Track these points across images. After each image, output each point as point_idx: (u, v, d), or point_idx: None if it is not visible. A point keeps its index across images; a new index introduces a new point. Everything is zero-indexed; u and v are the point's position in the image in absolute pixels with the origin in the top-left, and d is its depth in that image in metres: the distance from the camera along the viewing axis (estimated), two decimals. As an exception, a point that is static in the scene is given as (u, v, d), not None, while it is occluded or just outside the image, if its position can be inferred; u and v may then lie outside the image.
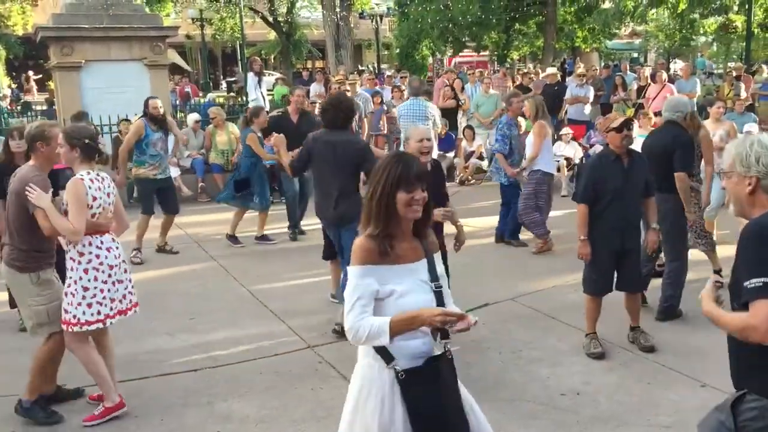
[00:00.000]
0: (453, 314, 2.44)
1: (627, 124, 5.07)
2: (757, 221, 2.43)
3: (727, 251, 5.15)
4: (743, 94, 13.70)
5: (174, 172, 11.05)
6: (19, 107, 19.93)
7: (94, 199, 4.20)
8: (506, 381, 4.81)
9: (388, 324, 2.44)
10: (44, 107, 19.50)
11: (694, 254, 6.36)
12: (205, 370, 5.13)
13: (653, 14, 29.95)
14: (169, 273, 7.68)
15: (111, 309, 4.32)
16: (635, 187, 5.13)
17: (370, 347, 2.58)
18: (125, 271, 4.44)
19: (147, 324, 6.00)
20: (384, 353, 2.55)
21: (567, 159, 11.49)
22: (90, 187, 4.18)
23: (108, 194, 4.33)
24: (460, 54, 29.59)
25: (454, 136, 13.18)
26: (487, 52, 29.37)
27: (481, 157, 12.67)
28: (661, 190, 5.46)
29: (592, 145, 12.22)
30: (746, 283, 2.28)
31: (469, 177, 12.54)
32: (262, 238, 8.71)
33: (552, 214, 8.29)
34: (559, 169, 11.18)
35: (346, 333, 2.54)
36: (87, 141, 4.23)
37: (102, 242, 4.29)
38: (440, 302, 2.62)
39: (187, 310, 6.38)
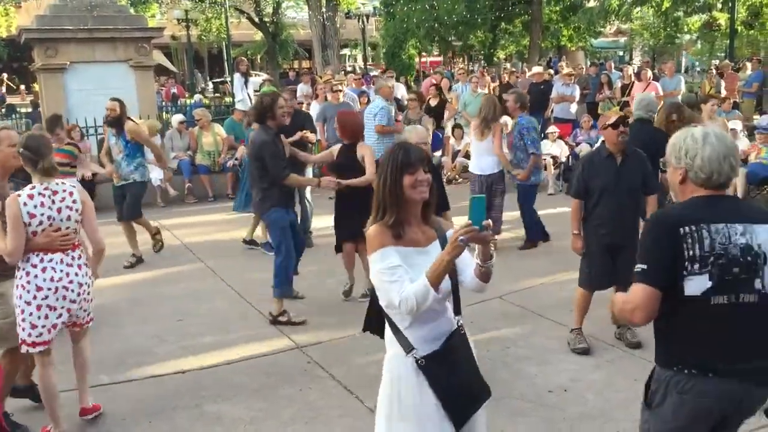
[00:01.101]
0: (465, 228, 2.48)
1: (623, 121, 5.10)
2: (656, 213, 2.70)
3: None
4: (724, 92, 13.85)
5: (159, 174, 11.02)
6: (3, 110, 19.73)
7: (32, 216, 3.89)
8: (494, 379, 4.80)
9: (427, 280, 2.54)
10: (29, 110, 19.34)
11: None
12: (194, 372, 5.12)
13: (638, 12, 30.11)
14: (156, 275, 7.65)
15: (29, 335, 3.96)
16: (628, 185, 5.14)
17: (394, 338, 2.75)
18: (63, 298, 4.01)
19: (134, 327, 5.99)
20: (404, 342, 2.71)
21: (553, 157, 11.54)
22: (26, 204, 3.88)
23: (59, 210, 3.98)
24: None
25: (440, 135, 13.21)
26: (439, 54, 29.86)
27: (467, 156, 12.69)
28: None
29: (578, 144, 12.29)
30: (635, 267, 2.55)
31: (456, 176, 12.57)
32: (251, 243, 8.48)
33: (540, 213, 8.31)
34: (545, 168, 11.21)
35: (399, 310, 2.62)
36: (21, 150, 3.98)
37: (42, 260, 3.96)
38: (454, 283, 2.75)
39: (175, 312, 6.36)
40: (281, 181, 5.90)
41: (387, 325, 2.80)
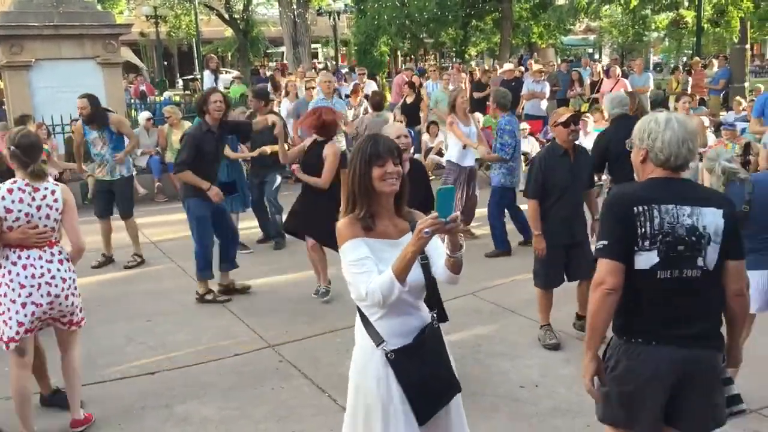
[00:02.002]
0: (430, 220, 2.41)
1: (574, 119, 5.16)
2: (613, 193, 2.93)
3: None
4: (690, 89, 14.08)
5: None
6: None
7: (9, 211, 3.86)
8: (467, 375, 4.82)
9: (392, 273, 2.50)
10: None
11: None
12: (164, 373, 5.06)
13: (606, 10, 30.41)
14: (125, 275, 7.56)
15: (17, 333, 3.92)
16: (581, 182, 5.28)
17: (363, 331, 2.72)
18: (48, 294, 3.97)
19: (103, 327, 5.90)
20: (374, 335, 2.68)
21: (524, 154, 11.59)
22: (4, 198, 3.87)
23: (38, 207, 3.94)
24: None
25: (412, 132, 13.19)
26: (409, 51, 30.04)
27: (440, 153, 12.72)
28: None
29: (548, 140, 12.38)
30: (597, 243, 2.79)
31: (429, 173, 12.58)
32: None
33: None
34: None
35: (367, 302, 2.60)
36: (12, 147, 3.96)
37: (20, 257, 3.93)
38: (427, 275, 2.71)
39: (144, 313, 6.28)
40: (174, 174, 6.56)
41: (357, 317, 2.78)
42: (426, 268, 2.72)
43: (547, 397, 4.51)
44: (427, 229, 2.41)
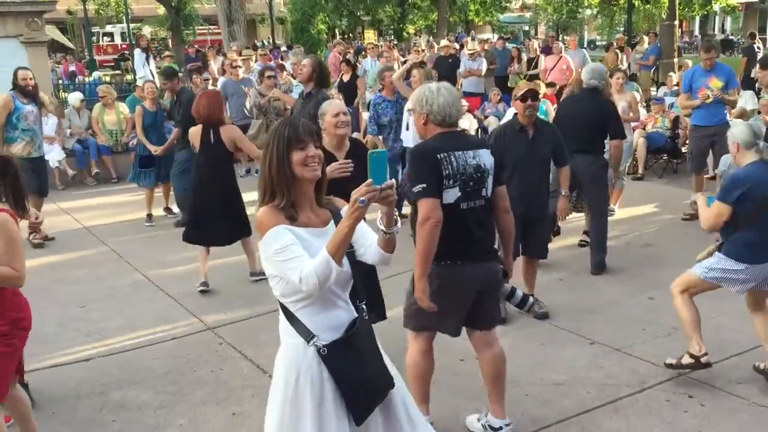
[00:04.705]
0: (365, 188, 2.26)
1: (532, 94, 5.05)
2: (416, 147, 3.67)
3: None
4: (625, 65, 14.36)
5: (59, 155, 10.51)
6: None
7: None
8: (405, 351, 4.85)
9: (327, 254, 2.32)
10: None
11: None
12: (99, 359, 4.95)
13: (541, -12, 30.79)
14: (57, 260, 7.31)
15: None
16: (541, 159, 5.19)
17: (291, 328, 2.53)
18: None
19: (35, 315, 5.66)
20: (304, 331, 2.50)
21: (463, 131, 11.65)
22: None
23: None
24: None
25: (350, 110, 13.09)
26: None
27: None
28: (588, 152, 6.01)
29: (486, 117, 12.48)
30: (413, 189, 3.38)
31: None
32: (169, 211, 8.81)
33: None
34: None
35: (299, 294, 2.44)
36: None
37: None
38: (353, 263, 2.54)
39: (77, 299, 6.10)
40: None
41: (281, 316, 2.59)
42: (351, 256, 2.53)
43: (486, 369, 4.55)
44: (362, 198, 2.25)
